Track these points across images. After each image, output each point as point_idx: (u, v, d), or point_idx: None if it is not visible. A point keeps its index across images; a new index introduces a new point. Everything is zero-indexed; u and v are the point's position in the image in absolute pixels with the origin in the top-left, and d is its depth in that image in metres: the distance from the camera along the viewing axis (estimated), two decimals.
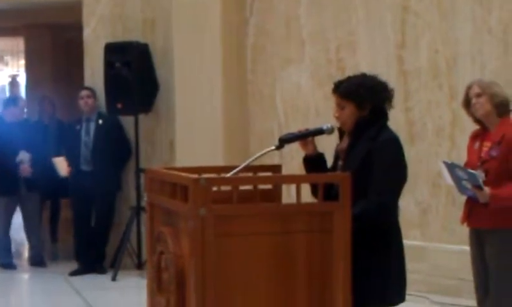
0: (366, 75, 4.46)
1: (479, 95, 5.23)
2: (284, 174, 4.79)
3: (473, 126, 5.47)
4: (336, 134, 4.52)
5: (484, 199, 5.04)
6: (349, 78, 4.44)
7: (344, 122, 4.37)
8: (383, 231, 4.24)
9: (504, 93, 5.27)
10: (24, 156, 9.37)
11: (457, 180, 5.15)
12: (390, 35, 7.91)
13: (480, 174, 5.08)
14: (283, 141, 4.39)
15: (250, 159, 4.34)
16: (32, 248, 9.78)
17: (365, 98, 4.30)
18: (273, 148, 4.37)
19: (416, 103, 7.72)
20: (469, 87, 5.32)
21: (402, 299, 4.35)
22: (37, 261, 9.63)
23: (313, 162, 4.43)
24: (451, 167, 5.19)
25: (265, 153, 4.36)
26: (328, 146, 4.63)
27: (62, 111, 11.25)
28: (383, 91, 4.38)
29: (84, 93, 9.22)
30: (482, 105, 5.22)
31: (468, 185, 5.07)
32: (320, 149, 4.50)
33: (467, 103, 5.33)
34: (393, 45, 7.89)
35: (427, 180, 7.57)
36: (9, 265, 9.56)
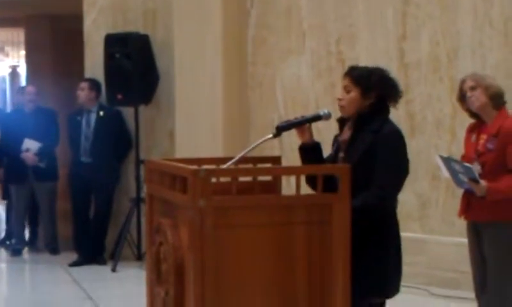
0: (382, 68, 4.46)
1: (473, 88, 5.24)
2: (284, 166, 4.79)
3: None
4: (335, 126, 4.51)
5: (481, 192, 5.05)
6: (365, 66, 4.46)
7: (345, 106, 4.36)
8: (382, 223, 4.23)
9: (497, 84, 5.28)
10: (30, 144, 9.35)
11: (453, 173, 5.16)
12: (390, 27, 7.90)
13: (476, 168, 5.09)
14: (281, 129, 4.37)
15: (248, 148, 4.32)
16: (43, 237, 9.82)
17: (373, 86, 4.30)
18: (270, 136, 4.34)
19: (417, 95, 7.71)
20: (463, 82, 5.34)
21: (397, 290, 4.37)
22: (49, 248, 9.72)
23: (309, 150, 4.42)
24: (447, 160, 5.20)
25: (262, 142, 4.34)
26: (327, 138, 4.62)
27: (62, 102, 11.22)
28: (392, 87, 4.38)
29: (80, 85, 9.18)
30: (478, 98, 5.22)
31: (465, 179, 5.07)
32: (319, 139, 4.49)
33: (462, 98, 5.34)
34: (394, 37, 7.88)
35: (426, 172, 7.57)
36: (18, 252, 9.68)
